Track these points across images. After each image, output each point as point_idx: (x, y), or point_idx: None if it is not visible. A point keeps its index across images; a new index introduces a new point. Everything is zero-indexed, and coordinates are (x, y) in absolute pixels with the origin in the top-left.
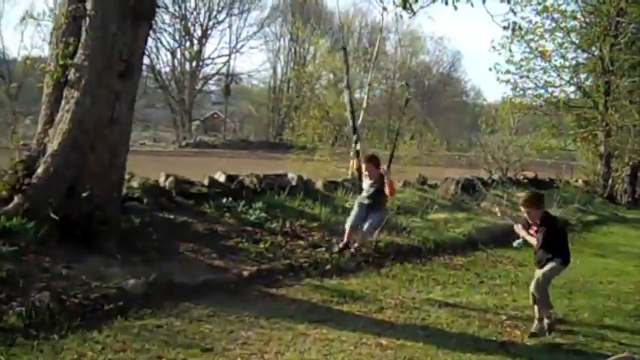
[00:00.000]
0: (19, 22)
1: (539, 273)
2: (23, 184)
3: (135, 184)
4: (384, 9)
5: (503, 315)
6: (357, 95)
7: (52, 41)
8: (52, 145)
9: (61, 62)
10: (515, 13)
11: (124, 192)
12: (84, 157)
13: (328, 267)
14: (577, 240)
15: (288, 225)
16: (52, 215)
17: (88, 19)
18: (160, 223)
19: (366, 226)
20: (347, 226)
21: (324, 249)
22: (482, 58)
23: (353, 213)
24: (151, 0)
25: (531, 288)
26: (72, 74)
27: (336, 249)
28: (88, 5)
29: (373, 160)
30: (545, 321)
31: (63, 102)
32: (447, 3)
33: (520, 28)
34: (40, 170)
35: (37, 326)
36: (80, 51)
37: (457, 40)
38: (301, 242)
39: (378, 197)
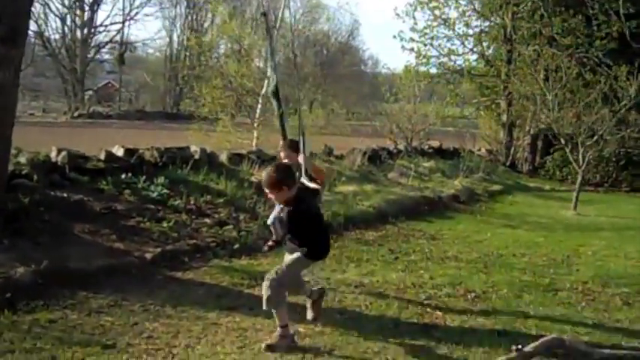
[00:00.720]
0: None
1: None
2: None
3: (23, 159)
4: None
5: (422, 294)
6: (259, 64)
7: None
8: None
9: None
10: None
11: (10, 168)
12: None
13: (237, 246)
14: (485, 211)
15: (192, 202)
16: None
17: None
18: (52, 202)
19: None
20: (269, 222)
21: (231, 226)
22: (380, 28)
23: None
24: None
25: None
26: None
27: (265, 248)
28: None
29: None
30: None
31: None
32: None
33: None
34: None
35: None
36: None
37: (355, 9)
38: (207, 220)
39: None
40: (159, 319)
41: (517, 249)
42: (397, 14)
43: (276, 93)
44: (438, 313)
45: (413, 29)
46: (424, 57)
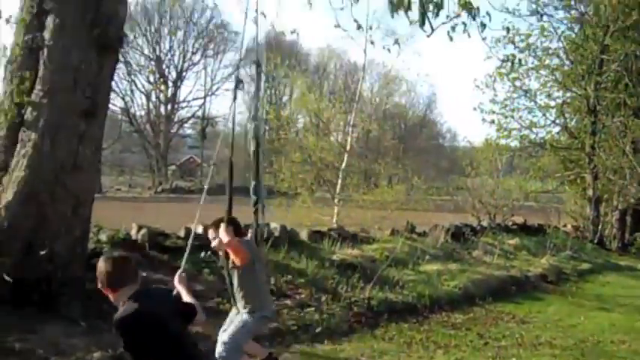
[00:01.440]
0: None
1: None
2: None
3: (103, 237)
4: (372, 43)
5: None
6: (338, 138)
7: (6, 77)
8: (7, 196)
9: (16, 100)
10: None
11: (90, 247)
12: (43, 208)
13: (319, 330)
14: (575, 292)
15: (272, 282)
16: (6, 277)
17: (46, 50)
18: None
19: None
20: None
21: (313, 308)
22: (458, 100)
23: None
24: (117, 28)
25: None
26: (29, 113)
27: None
28: (47, 34)
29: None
30: None
31: (18, 146)
32: (453, 29)
33: (519, 61)
34: None
35: None
36: (38, 87)
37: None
38: (288, 302)
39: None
40: None
41: (614, 335)
42: (476, 86)
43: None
44: None
45: (493, 101)
46: (505, 129)
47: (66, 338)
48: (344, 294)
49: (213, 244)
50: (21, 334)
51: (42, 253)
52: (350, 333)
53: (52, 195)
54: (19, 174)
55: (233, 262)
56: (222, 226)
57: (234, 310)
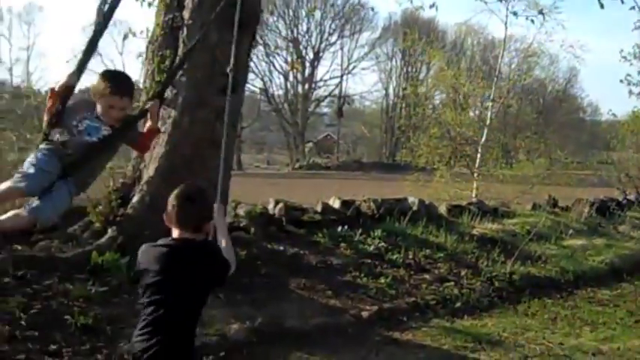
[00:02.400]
0: (122, 40)
1: None
2: (117, 215)
3: (241, 211)
4: (514, 14)
5: None
6: (476, 113)
7: (147, 56)
8: (148, 172)
9: (157, 78)
10: None
11: (228, 221)
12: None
13: (458, 304)
14: None
15: (411, 256)
16: None
17: (185, 29)
18: (269, 255)
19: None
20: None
21: (452, 283)
22: (601, 73)
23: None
24: (254, 6)
25: None
26: (168, 91)
27: None
28: (186, 14)
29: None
30: None
31: (159, 123)
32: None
33: None
34: (135, 200)
35: None
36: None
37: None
38: (426, 276)
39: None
40: None
41: None
42: (623, 57)
43: None
44: None
45: None
46: None
47: (206, 310)
48: (484, 269)
49: None
50: None
51: None
52: (491, 308)
53: (190, 170)
54: (160, 150)
55: None
56: None
57: None
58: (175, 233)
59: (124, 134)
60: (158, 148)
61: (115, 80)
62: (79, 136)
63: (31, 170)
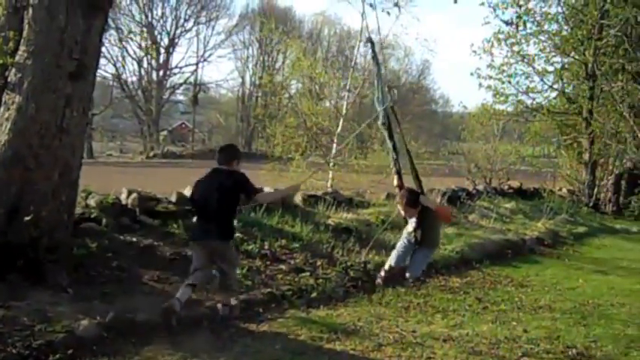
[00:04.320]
0: None
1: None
2: None
3: (92, 202)
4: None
5: (518, 350)
6: (332, 103)
7: None
8: None
9: (0, 61)
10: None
11: (78, 212)
12: (28, 173)
13: (314, 295)
14: (572, 255)
15: (266, 246)
16: None
17: (30, 10)
18: (121, 247)
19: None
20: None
21: (308, 273)
22: (452, 66)
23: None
24: None
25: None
26: (12, 75)
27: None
28: None
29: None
30: None
31: (2, 108)
32: None
33: (524, 22)
34: None
35: None
36: (22, 48)
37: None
38: (282, 266)
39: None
40: None
41: (614, 297)
42: (474, 51)
43: (386, 125)
44: None
45: (490, 66)
46: (501, 95)
47: (52, 306)
48: (339, 258)
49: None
50: (5, 301)
51: (27, 218)
52: (346, 298)
53: (37, 159)
54: (2, 138)
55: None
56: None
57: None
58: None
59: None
60: (1, 135)
61: None
62: None
63: None
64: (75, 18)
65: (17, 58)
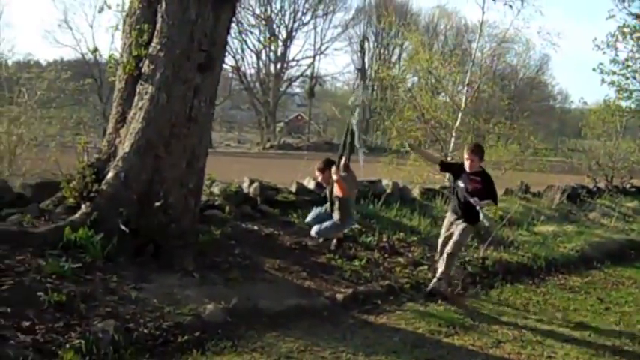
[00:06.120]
0: (98, 12)
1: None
2: (91, 191)
3: (216, 190)
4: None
5: None
6: (450, 97)
7: (125, 30)
8: (124, 148)
9: (135, 53)
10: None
11: (203, 199)
12: (158, 160)
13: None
14: None
15: (385, 239)
16: (122, 227)
17: (164, 3)
18: (243, 234)
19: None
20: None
21: (426, 267)
22: (572, 61)
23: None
24: None
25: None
26: (145, 66)
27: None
28: None
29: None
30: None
31: (136, 98)
32: None
33: None
34: (109, 176)
35: None
36: (155, 40)
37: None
38: (400, 259)
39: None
40: None
41: None
42: (596, 45)
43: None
44: None
45: (614, 61)
46: (625, 90)
47: (180, 289)
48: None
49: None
50: (137, 283)
51: (157, 204)
52: (464, 293)
53: (167, 147)
54: (136, 126)
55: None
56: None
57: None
58: None
59: None
60: (134, 123)
61: None
62: None
63: None
64: (205, 11)
65: (150, 50)
